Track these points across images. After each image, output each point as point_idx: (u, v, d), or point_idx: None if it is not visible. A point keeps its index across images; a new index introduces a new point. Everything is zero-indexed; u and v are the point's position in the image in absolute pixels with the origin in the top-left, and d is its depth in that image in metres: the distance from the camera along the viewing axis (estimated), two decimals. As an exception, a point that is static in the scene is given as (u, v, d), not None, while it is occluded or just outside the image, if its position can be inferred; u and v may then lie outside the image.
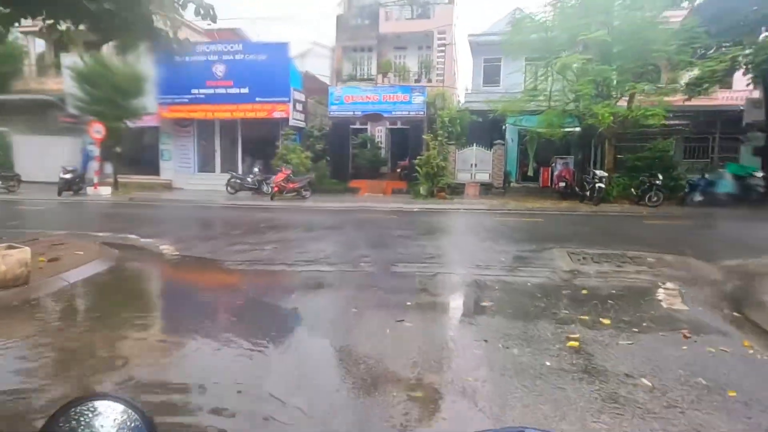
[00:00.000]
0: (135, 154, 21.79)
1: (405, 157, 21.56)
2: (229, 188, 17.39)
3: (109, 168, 18.00)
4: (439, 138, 17.52)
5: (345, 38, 23.36)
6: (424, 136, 17.90)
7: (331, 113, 19.27)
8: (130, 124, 18.23)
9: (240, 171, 19.79)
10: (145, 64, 18.72)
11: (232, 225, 10.18)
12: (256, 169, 17.53)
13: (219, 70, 18.48)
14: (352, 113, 19.03)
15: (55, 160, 20.17)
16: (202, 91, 18.66)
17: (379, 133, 23.71)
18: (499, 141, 19.22)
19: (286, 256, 6.92)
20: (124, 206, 14.08)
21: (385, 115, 18.97)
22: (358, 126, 23.01)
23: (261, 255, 7.03)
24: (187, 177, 20.22)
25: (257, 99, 18.37)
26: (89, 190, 16.38)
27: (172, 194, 17.22)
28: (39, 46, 26.35)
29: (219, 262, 6.68)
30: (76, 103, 16.49)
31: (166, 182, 20.14)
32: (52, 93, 20.98)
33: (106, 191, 16.40)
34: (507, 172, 19.38)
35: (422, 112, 18.44)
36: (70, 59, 17.64)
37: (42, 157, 20.32)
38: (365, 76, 23.72)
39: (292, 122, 18.47)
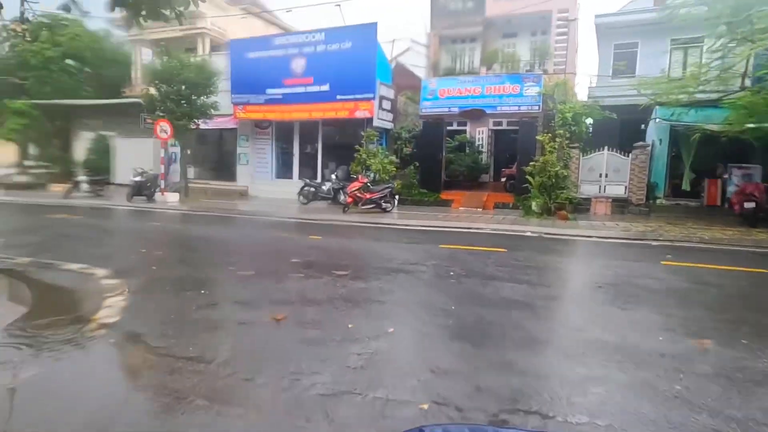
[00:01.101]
0: (214, 158, 20.88)
1: (511, 163, 17.74)
2: (301, 198, 15.16)
3: (182, 172, 16.81)
4: (559, 139, 13.51)
5: (443, 25, 20.21)
6: (538, 137, 14.00)
7: (423, 111, 16.20)
8: (205, 125, 16.99)
9: (319, 178, 17.60)
10: (219, 59, 17.55)
11: (258, 258, 6.92)
12: (333, 176, 15.09)
13: (298, 65, 16.43)
14: (447, 110, 15.76)
15: (144, 163, 19.78)
16: (279, 90, 16.77)
17: (480, 134, 20.09)
18: (641, 143, 14.56)
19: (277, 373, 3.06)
20: (171, 218, 12.32)
21: (488, 111, 15.39)
22: (455, 127, 19.71)
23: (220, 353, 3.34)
24: (264, 183, 18.54)
25: (338, 97, 15.96)
26: (156, 195, 15.22)
27: (241, 204, 15.45)
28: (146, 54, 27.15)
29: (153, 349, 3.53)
30: (151, 103, 15.46)
31: (242, 189, 18.68)
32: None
33: (173, 198, 15.09)
34: (652, 185, 14.61)
35: (537, 107, 14.54)
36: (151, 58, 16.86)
37: (133, 159, 20.10)
38: (466, 70, 20.33)
39: (376, 122, 15.75)
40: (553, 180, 12.79)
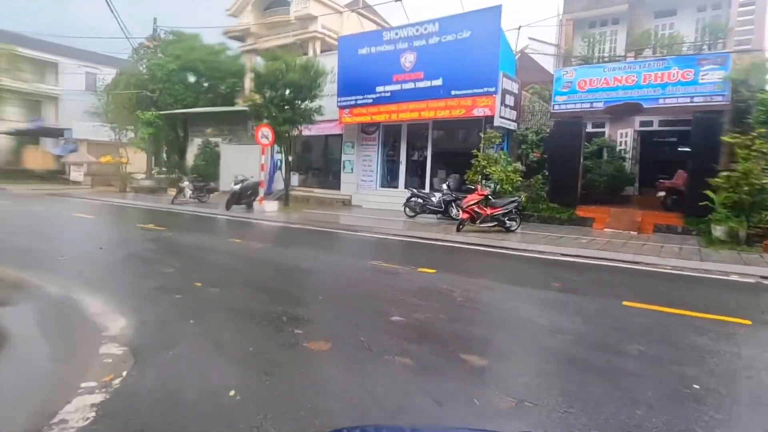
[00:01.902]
0: (317, 165, 19.98)
1: (668, 172, 14.00)
2: (407, 210, 13.24)
3: (285, 179, 15.93)
4: (759, 141, 9.75)
5: (578, 7, 16.99)
6: (725, 138, 10.34)
7: (556, 107, 13.30)
8: (308, 131, 15.97)
9: (427, 187, 15.57)
10: (326, 59, 16.42)
11: (345, 307, 4.72)
12: (445, 186, 12.92)
13: (408, 60, 14.61)
14: (589, 105, 12.69)
15: (251, 170, 19.53)
16: (387, 88, 15.11)
17: (623, 136, 16.39)
18: None
19: None
20: (261, 233, 11.07)
21: (646, 105, 12.01)
22: (589, 128, 16.31)
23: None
24: (368, 193, 17.03)
25: (453, 93, 13.80)
26: (255, 204, 14.42)
27: (343, 215, 14.00)
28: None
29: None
30: (254, 109, 14.78)
31: (345, 198, 17.38)
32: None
33: (271, 207, 14.16)
34: None
35: (721, 97, 10.87)
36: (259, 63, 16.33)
37: (240, 166, 20.06)
38: (607, 59, 16.83)
39: (498, 122, 13.26)
40: (756, 197, 9.15)
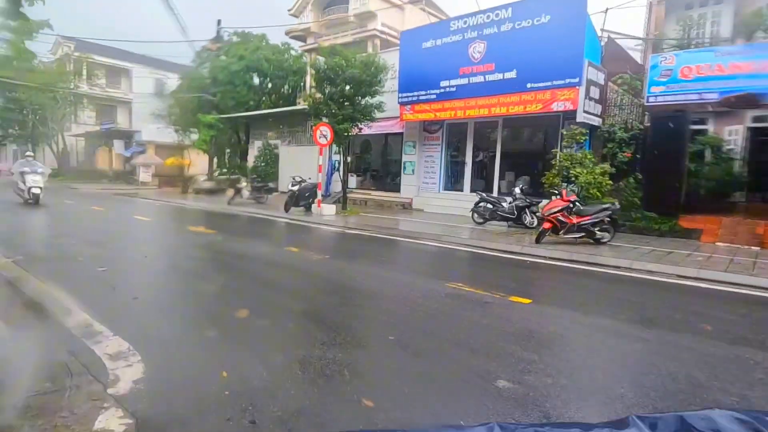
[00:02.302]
0: (376, 166, 19.08)
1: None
2: (475, 216, 11.96)
3: (343, 181, 15.12)
4: None
5: (675, -14, 14.89)
6: None
7: (651, 100, 11.51)
8: (369, 129, 15.09)
9: (496, 191, 14.19)
10: (387, 56, 15.46)
11: (412, 343, 3.67)
12: (517, 190, 11.50)
13: (477, 50, 13.31)
14: (697, 96, 10.82)
15: (309, 172, 19.02)
16: (453, 82, 13.88)
17: (733, 134, 14.08)
18: None
19: None
20: (317, 239, 10.13)
21: (772, 95, 9.98)
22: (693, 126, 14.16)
23: None
24: (430, 196, 15.88)
25: (528, 86, 12.34)
26: (313, 207, 13.69)
27: (403, 220, 12.94)
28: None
29: None
30: (314, 107, 14.07)
31: (405, 201, 16.32)
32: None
33: (329, 210, 13.35)
34: None
35: None
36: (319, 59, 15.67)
37: (299, 167, 19.61)
38: (708, 44, 14.59)
39: (581, 117, 11.64)
40: None
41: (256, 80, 23.32)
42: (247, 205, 15.53)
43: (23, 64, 33.10)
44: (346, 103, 13.49)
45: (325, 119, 13.92)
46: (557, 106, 11.95)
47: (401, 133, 16.66)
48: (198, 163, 27.27)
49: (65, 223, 11.17)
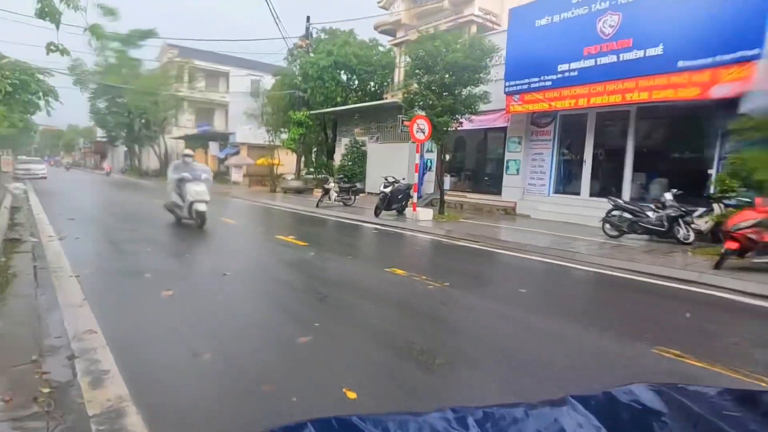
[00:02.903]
0: (472, 165, 17.22)
1: None
2: (607, 227, 9.71)
3: (438, 182, 13.48)
4: None
5: None
6: None
7: None
8: (470, 123, 13.35)
9: (627, 195, 11.75)
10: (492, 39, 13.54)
11: None
12: (668, 196, 9.10)
13: (608, 24, 10.98)
14: None
15: (399, 171, 17.80)
16: (574, 65, 11.66)
17: None
18: None
19: None
20: (415, 252, 8.58)
21: None
22: None
23: None
24: (538, 200, 13.75)
25: (680, 65, 9.82)
26: (407, 211, 12.24)
27: (510, 228, 11.05)
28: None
29: None
30: (408, 99, 12.63)
31: (507, 205, 14.33)
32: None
33: (425, 216, 11.83)
34: None
35: None
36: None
37: (387, 166, 18.41)
38: None
39: (762, 102, 8.90)
40: None
41: (344, 77, 22.49)
42: (334, 208, 14.54)
43: (130, 70, 35.73)
44: (445, 93, 11.88)
45: (420, 112, 12.41)
46: (720, 90, 9.31)
47: (503, 128, 14.69)
48: (286, 163, 27.28)
49: (153, 227, 10.82)
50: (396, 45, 25.02)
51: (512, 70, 13.03)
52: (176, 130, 39.27)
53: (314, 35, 24.29)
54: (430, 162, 17.38)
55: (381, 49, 25.06)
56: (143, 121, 37.19)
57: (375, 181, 18.44)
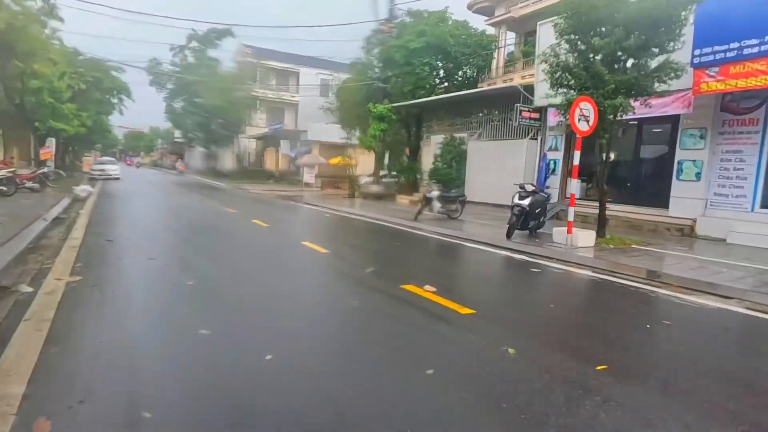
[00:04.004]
0: (619, 167, 13.19)
1: None
2: None
3: (603, 191, 9.62)
4: None
5: None
6: None
7: None
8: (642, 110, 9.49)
9: None
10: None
11: None
12: None
13: None
14: None
15: (511, 175, 14.33)
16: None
17: None
18: None
19: None
20: (627, 327, 4.76)
21: None
22: None
23: None
24: (733, 217, 9.63)
25: None
26: (556, 232, 8.62)
27: (692, 257, 7.15)
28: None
29: None
30: (554, 74, 8.98)
31: (680, 223, 10.33)
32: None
33: (586, 240, 8.18)
34: None
35: None
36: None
37: (496, 169, 14.92)
38: None
39: None
40: None
41: (435, 63, 19.17)
42: (435, 222, 11.30)
43: (209, 70, 35.00)
44: (622, 60, 8.22)
45: (569, 93, 8.77)
46: None
47: (672, 117, 10.68)
48: (361, 163, 24.54)
49: (214, 253, 8.16)
50: (494, 25, 21.42)
51: (708, 30, 9.04)
52: (249, 129, 38.22)
53: (399, 18, 21.25)
54: (554, 163, 13.66)
55: (473, 30, 21.53)
56: (221, 121, 36.44)
57: (476, 187, 15.00)
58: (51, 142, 19.80)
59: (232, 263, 6.22)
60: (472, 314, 4.10)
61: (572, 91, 8.85)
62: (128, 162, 77.23)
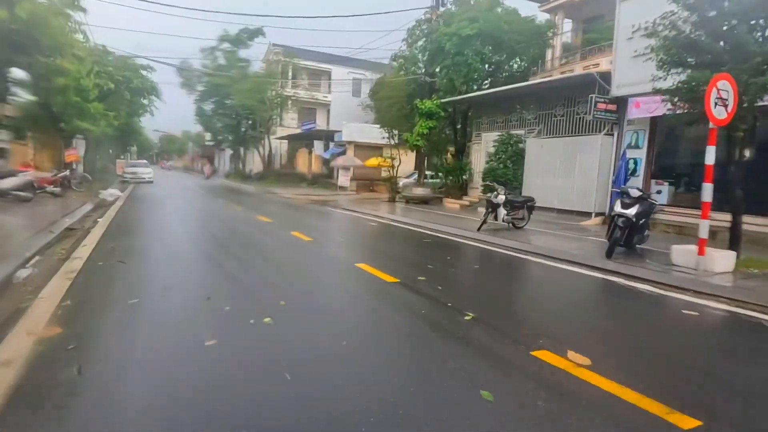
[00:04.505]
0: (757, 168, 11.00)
1: None
2: None
3: (739, 197, 7.52)
4: None
5: None
6: None
7: None
8: None
9: None
10: None
11: None
12: None
13: None
14: None
15: (581, 176, 12.53)
16: None
17: None
18: None
19: None
20: None
21: None
22: None
23: None
24: None
25: None
26: (676, 251, 6.68)
27: None
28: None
29: None
30: (671, 55, 7.03)
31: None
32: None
33: (725, 263, 6.24)
34: None
35: None
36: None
37: (561, 170, 13.03)
38: None
39: None
40: None
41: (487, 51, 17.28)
42: (502, 233, 9.53)
43: (239, 71, 34.12)
44: (757, 34, 6.26)
45: (686, 73, 6.81)
46: None
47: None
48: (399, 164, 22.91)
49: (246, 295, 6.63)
50: (549, 11, 19.42)
51: None
52: (280, 130, 37.21)
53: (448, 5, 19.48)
54: (635, 163, 11.65)
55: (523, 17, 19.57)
56: (250, 122, 35.54)
57: (535, 190, 13.08)
58: (79, 144, 19.02)
59: (278, 303, 4.56)
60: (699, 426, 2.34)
61: (687, 70, 6.92)
62: (162, 165, 78.48)
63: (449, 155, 19.52)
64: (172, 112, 38.73)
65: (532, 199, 10.59)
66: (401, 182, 20.20)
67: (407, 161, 21.52)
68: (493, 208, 9.91)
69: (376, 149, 27.38)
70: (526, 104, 14.94)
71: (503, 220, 9.98)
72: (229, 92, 33.97)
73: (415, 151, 19.65)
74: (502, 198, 9.88)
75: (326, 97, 40.49)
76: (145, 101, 27.42)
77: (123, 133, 27.64)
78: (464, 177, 17.02)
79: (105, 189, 17.85)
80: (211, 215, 13.06)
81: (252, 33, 36.44)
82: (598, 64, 15.73)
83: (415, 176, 24.61)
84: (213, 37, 37.28)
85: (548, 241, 8.87)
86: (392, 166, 18.14)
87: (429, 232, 10.02)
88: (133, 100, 24.64)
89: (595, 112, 11.60)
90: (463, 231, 9.87)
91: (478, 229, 9.74)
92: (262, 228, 10.36)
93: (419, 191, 17.03)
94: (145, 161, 38.17)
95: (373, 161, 24.63)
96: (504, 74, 17.72)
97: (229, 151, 48.42)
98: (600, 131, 12.20)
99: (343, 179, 23.91)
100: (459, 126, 19.04)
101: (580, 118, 13.13)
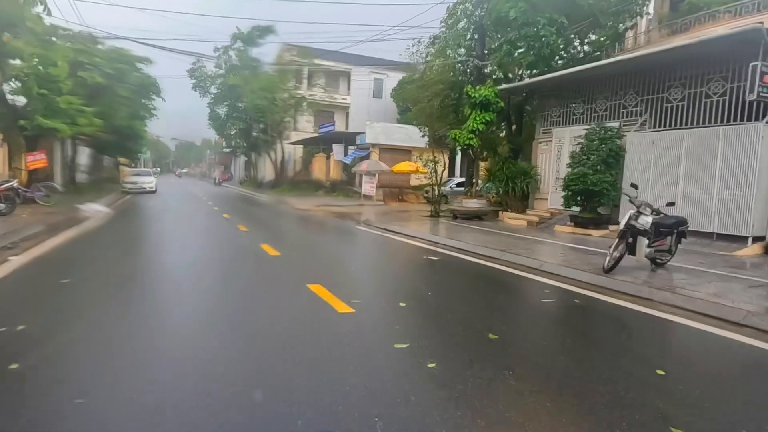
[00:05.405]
0: None
1: None
2: None
3: None
4: None
5: None
6: None
7: None
8: None
9: None
10: None
11: None
12: None
13: None
14: None
15: (726, 183, 8.73)
16: None
17: None
18: None
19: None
20: None
21: None
22: None
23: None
24: None
25: None
26: None
27: None
28: None
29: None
30: None
31: None
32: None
33: None
34: None
35: None
36: None
37: (686, 172, 9.23)
38: None
39: None
40: None
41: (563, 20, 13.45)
42: (642, 278, 5.79)
43: (251, 71, 31.20)
44: None
45: None
46: None
47: None
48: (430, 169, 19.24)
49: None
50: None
51: None
52: (294, 135, 34.02)
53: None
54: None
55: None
56: (261, 125, 32.50)
57: (653, 201, 9.19)
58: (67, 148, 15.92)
59: None
60: None
61: None
62: (176, 173, 76.83)
63: (499, 158, 15.72)
64: (189, 119, 36.03)
65: (684, 222, 6.77)
66: (444, 191, 16.59)
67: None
68: (632, 235, 6.11)
69: (404, 152, 23.81)
70: (620, 87, 11.15)
71: (646, 256, 6.19)
72: (241, 94, 31.07)
73: (458, 154, 15.95)
74: (647, 221, 6.08)
75: (345, 99, 37.28)
76: (148, 102, 24.40)
77: (124, 137, 24.61)
78: (528, 185, 13.25)
79: (91, 202, 14.58)
80: (200, 250, 9.14)
81: (263, 31, 33.49)
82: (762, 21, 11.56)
83: (452, 184, 20.99)
84: (215, 31, 34.27)
85: (713, 291, 5.04)
86: (435, 172, 14.45)
87: (534, 277, 6.24)
88: (133, 100, 21.56)
89: (761, 89, 7.75)
90: (582, 273, 6.12)
91: (609, 270, 5.99)
92: (264, 271, 6.70)
93: (473, 204, 13.26)
94: (148, 169, 35.30)
95: (403, 166, 21.00)
96: (579, 53, 13.92)
97: (243, 158, 45.67)
98: (762, 118, 8.31)
99: (368, 187, 20.31)
100: (514, 121, 15.32)
101: (707, 102, 9.30)
